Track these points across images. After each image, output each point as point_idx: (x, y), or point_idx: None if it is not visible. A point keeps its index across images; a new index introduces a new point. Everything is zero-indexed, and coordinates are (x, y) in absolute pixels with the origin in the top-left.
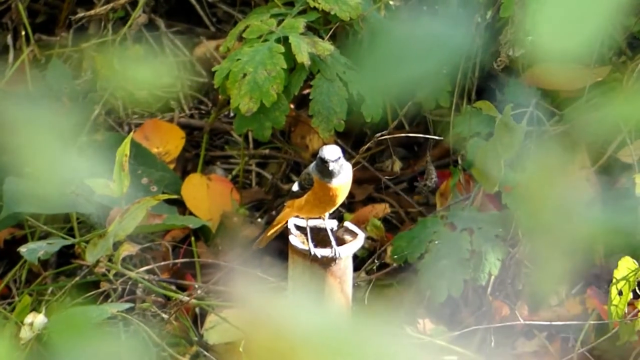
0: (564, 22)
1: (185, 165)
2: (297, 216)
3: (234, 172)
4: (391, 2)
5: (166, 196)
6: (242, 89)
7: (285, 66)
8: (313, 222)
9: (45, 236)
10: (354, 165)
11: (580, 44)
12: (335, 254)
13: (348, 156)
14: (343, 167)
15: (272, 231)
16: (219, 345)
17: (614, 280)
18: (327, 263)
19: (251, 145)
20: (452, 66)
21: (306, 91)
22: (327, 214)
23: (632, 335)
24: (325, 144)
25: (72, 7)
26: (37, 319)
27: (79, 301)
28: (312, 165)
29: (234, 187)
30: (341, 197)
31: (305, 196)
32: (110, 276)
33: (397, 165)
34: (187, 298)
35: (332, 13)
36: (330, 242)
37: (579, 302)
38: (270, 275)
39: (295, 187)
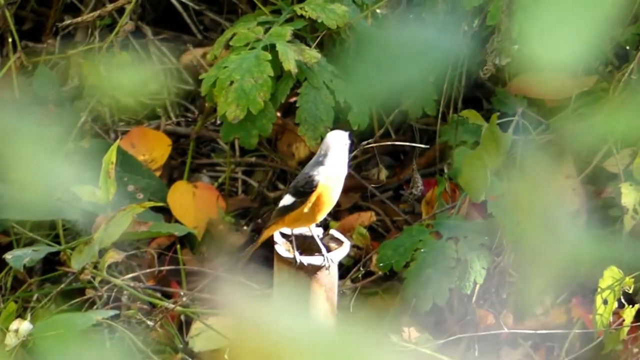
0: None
1: (172, 172)
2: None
3: (220, 180)
4: (378, 11)
5: (152, 204)
6: (229, 96)
7: (272, 74)
8: (298, 230)
9: (30, 243)
10: None
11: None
12: (326, 261)
13: None
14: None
15: (256, 246)
16: (204, 352)
17: (599, 290)
18: (312, 271)
19: (237, 153)
20: (438, 75)
21: (293, 99)
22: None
23: (617, 344)
24: (312, 152)
25: (59, 14)
26: (23, 326)
27: (64, 308)
28: (310, 166)
29: (220, 195)
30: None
31: (305, 204)
32: (96, 283)
33: (383, 174)
34: (173, 305)
35: (319, 21)
36: (315, 249)
37: (564, 311)
38: (256, 282)
39: (287, 201)
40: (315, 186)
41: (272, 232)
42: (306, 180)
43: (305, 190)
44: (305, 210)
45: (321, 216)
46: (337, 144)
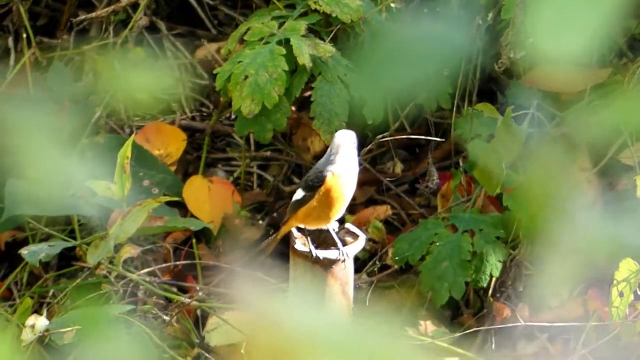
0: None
1: (187, 167)
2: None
3: (235, 175)
4: (392, 5)
5: (168, 198)
6: (243, 91)
7: (286, 68)
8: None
9: (46, 239)
10: None
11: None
12: (343, 255)
13: None
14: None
15: (274, 244)
16: (221, 347)
17: (615, 282)
18: (328, 265)
19: (253, 148)
20: (453, 68)
21: (308, 93)
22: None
23: (634, 337)
24: (327, 146)
25: (73, 9)
26: (39, 322)
27: (81, 304)
28: (321, 163)
29: (236, 190)
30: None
31: (314, 198)
32: (112, 278)
33: (399, 168)
34: (189, 300)
35: (334, 15)
36: (331, 243)
37: (580, 303)
38: (272, 277)
39: (298, 195)
40: (324, 180)
41: (289, 228)
42: (316, 175)
43: (314, 185)
44: (315, 204)
45: (335, 214)
46: (346, 142)
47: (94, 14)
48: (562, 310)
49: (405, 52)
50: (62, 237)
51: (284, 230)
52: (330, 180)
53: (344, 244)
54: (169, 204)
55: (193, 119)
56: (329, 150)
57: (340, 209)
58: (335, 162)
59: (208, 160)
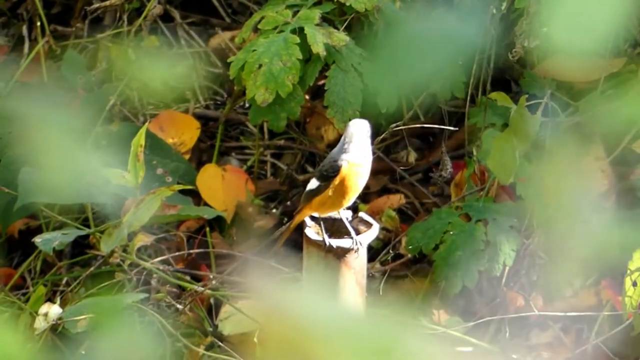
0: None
1: (200, 156)
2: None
3: (249, 163)
4: None
5: (181, 187)
6: (257, 79)
7: (300, 57)
8: (327, 214)
9: (59, 226)
10: None
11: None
12: (356, 244)
13: None
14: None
15: (288, 232)
16: (234, 335)
17: (629, 272)
18: (342, 254)
19: (266, 136)
20: (467, 57)
21: (321, 82)
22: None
23: None
24: (340, 134)
25: None
26: (52, 310)
27: (94, 292)
28: (335, 152)
29: (249, 178)
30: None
31: (329, 188)
32: (125, 266)
33: (412, 156)
34: (202, 288)
35: (348, 4)
36: (345, 232)
37: (593, 293)
38: (285, 266)
39: (312, 185)
40: (339, 170)
41: (303, 216)
42: (330, 164)
43: (328, 175)
44: (330, 193)
45: (347, 201)
46: (360, 131)
47: (107, 2)
48: (575, 300)
49: (419, 41)
50: (76, 225)
51: (297, 219)
52: (345, 169)
53: (357, 232)
54: (182, 192)
55: (207, 107)
56: (342, 138)
57: (353, 196)
58: (350, 151)
59: (221, 149)
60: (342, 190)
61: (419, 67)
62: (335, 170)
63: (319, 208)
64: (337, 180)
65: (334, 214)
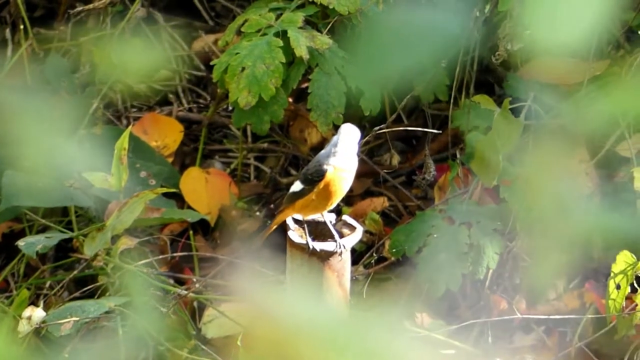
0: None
1: (184, 159)
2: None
3: (232, 166)
4: None
5: (164, 190)
6: (240, 82)
7: (283, 60)
8: (311, 216)
9: (43, 230)
10: None
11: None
12: (339, 247)
13: None
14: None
15: (269, 231)
16: (217, 339)
17: (612, 274)
18: (325, 257)
19: (249, 139)
20: (450, 60)
21: (304, 85)
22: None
23: (630, 329)
24: (324, 138)
25: (70, 0)
26: (35, 313)
27: (77, 295)
28: (322, 155)
29: (233, 181)
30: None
31: (314, 191)
32: (109, 270)
33: (396, 159)
34: (185, 292)
35: (331, 7)
36: (328, 235)
37: (577, 296)
38: (269, 268)
39: (296, 187)
40: (324, 175)
41: (284, 217)
42: (316, 168)
43: (313, 179)
44: (313, 197)
45: (330, 205)
46: (350, 137)
47: (91, 5)
48: (558, 303)
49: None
50: (59, 229)
51: (279, 219)
52: (330, 174)
53: (341, 235)
54: (165, 195)
55: (190, 110)
56: (331, 142)
57: (336, 201)
58: (336, 155)
59: (205, 152)
60: (325, 195)
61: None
62: (320, 174)
63: (302, 210)
64: (321, 185)
65: (317, 216)
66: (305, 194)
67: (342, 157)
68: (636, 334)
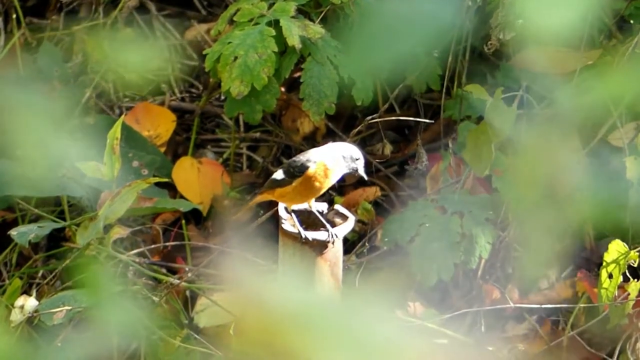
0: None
1: (176, 148)
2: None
3: (224, 156)
4: None
5: (157, 179)
6: (233, 72)
7: (276, 49)
8: (299, 206)
9: (36, 219)
10: None
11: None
12: (331, 237)
13: (339, 139)
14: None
15: (245, 208)
16: (210, 328)
17: (604, 264)
18: (317, 246)
19: (242, 129)
20: (442, 49)
21: (297, 74)
22: (312, 200)
23: (622, 318)
24: (316, 127)
25: None
26: (28, 302)
27: (70, 284)
28: (311, 154)
29: (225, 171)
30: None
31: (292, 185)
32: (101, 259)
33: (388, 149)
34: (178, 281)
35: None
36: (321, 225)
37: (569, 285)
38: (261, 258)
39: (278, 175)
40: (304, 172)
41: (262, 199)
42: (301, 163)
43: (294, 173)
44: (290, 190)
45: (306, 200)
46: (346, 152)
47: None
48: (551, 292)
49: (395, 33)
50: (52, 218)
51: (257, 199)
52: (310, 172)
53: (333, 225)
54: (158, 184)
55: (182, 99)
56: (339, 152)
57: (315, 197)
58: (325, 156)
59: (197, 141)
60: (302, 191)
61: (395, 59)
62: (302, 171)
63: (279, 198)
64: (300, 180)
65: (303, 206)
66: (284, 184)
67: (329, 157)
68: (628, 323)
